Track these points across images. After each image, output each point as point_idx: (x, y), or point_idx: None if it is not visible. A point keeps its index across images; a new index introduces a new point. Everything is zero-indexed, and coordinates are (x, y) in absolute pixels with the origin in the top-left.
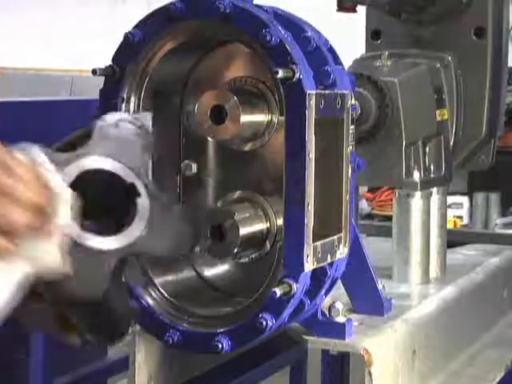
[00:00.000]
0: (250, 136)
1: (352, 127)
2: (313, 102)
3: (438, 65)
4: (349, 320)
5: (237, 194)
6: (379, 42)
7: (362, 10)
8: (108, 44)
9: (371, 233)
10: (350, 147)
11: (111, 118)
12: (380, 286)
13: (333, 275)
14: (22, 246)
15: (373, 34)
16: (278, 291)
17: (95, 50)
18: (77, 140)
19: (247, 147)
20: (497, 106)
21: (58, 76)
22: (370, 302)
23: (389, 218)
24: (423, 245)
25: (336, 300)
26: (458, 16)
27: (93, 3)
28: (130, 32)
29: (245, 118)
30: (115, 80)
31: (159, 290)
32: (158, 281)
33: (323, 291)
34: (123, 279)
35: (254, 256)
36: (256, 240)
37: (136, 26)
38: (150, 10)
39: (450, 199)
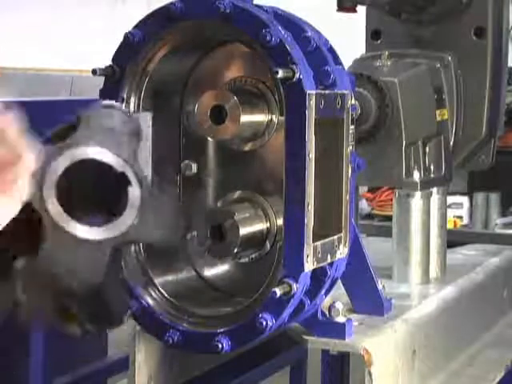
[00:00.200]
0: (250, 136)
1: (352, 127)
2: (313, 102)
3: (438, 65)
4: (349, 320)
5: (237, 194)
6: (379, 42)
7: (362, 9)
8: (108, 44)
9: (371, 233)
10: (350, 147)
11: (97, 106)
12: (380, 286)
13: (333, 275)
14: None
15: (373, 34)
16: (278, 291)
17: (95, 49)
18: (64, 131)
19: (247, 147)
20: (497, 105)
21: (58, 76)
22: (370, 301)
23: (389, 218)
24: (423, 245)
25: (336, 300)
26: (458, 16)
27: (93, 3)
28: (129, 32)
29: (245, 118)
30: (115, 80)
31: (159, 290)
32: (157, 281)
33: (323, 291)
34: (118, 267)
35: (253, 256)
36: (256, 240)
37: (136, 26)
38: (150, 10)
39: (450, 199)
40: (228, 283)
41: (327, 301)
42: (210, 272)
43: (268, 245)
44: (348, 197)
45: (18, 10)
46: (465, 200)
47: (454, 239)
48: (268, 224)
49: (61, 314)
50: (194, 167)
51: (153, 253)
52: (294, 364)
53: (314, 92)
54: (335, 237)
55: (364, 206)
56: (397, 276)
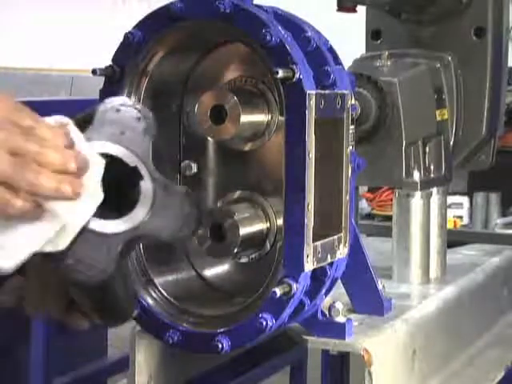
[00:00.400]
0: (250, 136)
1: (352, 127)
2: (313, 102)
3: (438, 65)
4: (349, 320)
5: (237, 194)
6: (379, 42)
7: (362, 9)
8: (108, 44)
9: (371, 233)
10: (350, 147)
11: (111, 102)
12: (380, 286)
13: (333, 275)
14: (49, 206)
15: (373, 34)
16: (278, 291)
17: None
18: (79, 125)
19: (247, 147)
20: (497, 105)
21: (58, 76)
22: (370, 301)
23: (389, 218)
24: (423, 245)
25: (336, 300)
26: (458, 16)
27: (93, 3)
28: (130, 32)
29: (245, 118)
30: (115, 80)
31: (159, 290)
32: (157, 281)
33: (323, 291)
34: (126, 262)
35: (253, 256)
36: (256, 240)
37: (136, 26)
38: (151, 10)
39: (450, 199)
40: (228, 283)
41: (327, 301)
42: (210, 272)
43: (268, 245)
44: (348, 197)
45: (18, 9)
46: (465, 200)
47: (454, 239)
48: (268, 224)
49: (68, 308)
50: (194, 167)
51: (153, 253)
52: (294, 364)
53: (313, 92)
54: (335, 237)
55: (364, 205)
56: (397, 276)
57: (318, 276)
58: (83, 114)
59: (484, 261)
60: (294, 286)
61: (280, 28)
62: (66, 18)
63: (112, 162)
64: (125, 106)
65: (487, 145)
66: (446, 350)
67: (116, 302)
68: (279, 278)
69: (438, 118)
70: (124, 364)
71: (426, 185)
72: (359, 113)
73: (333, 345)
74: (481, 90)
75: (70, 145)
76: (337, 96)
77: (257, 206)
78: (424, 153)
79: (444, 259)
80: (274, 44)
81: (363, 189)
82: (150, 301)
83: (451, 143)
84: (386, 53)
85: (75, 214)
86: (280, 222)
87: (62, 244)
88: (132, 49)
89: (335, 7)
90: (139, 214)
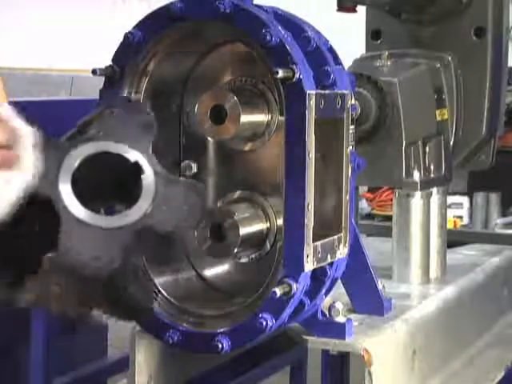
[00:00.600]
0: (250, 136)
1: (352, 127)
2: (313, 102)
3: (438, 65)
4: (349, 320)
5: (237, 194)
6: (379, 42)
7: (362, 9)
8: (108, 44)
9: (371, 233)
10: (350, 147)
11: (112, 100)
12: (380, 286)
13: (333, 275)
14: None
15: (373, 34)
16: (278, 291)
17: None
18: (84, 126)
19: (247, 147)
20: (497, 105)
21: (58, 76)
22: (370, 301)
23: (389, 218)
24: (423, 245)
25: (336, 300)
26: (458, 16)
27: (93, 3)
28: (129, 32)
29: (245, 118)
30: (115, 80)
31: (159, 290)
32: (158, 281)
33: (323, 291)
34: (135, 259)
35: (253, 256)
36: (256, 240)
37: (136, 26)
38: (151, 10)
39: (450, 199)
40: (228, 283)
41: (327, 301)
42: (210, 272)
43: (268, 245)
44: (348, 197)
45: (18, 9)
46: (465, 200)
47: (454, 239)
48: (268, 224)
49: (80, 303)
50: (194, 167)
51: (153, 253)
52: (294, 364)
53: (313, 92)
54: (335, 237)
55: (364, 205)
56: (397, 276)
57: (318, 276)
58: (86, 118)
59: (484, 261)
60: (294, 286)
61: (280, 28)
62: (65, 18)
63: (115, 158)
64: (125, 103)
65: (487, 145)
66: (446, 350)
67: (129, 297)
68: (279, 277)
69: (438, 118)
70: (124, 364)
71: (426, 185)
72: (359, 113)
73: (333, 345)
74: (481, 90)
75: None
76: (337, 96)
77: (257, 206)
78: (424, 153)
79: (444, 259)
80: (274, 44)
81: (363, 189)
82: (155, 302)
83: (451, 143)
84: (386, 53)
85: (10, 184)
86: (280, 221)
87: None
88: (132, 49)
89: (335, 7)
90: (142, 208)
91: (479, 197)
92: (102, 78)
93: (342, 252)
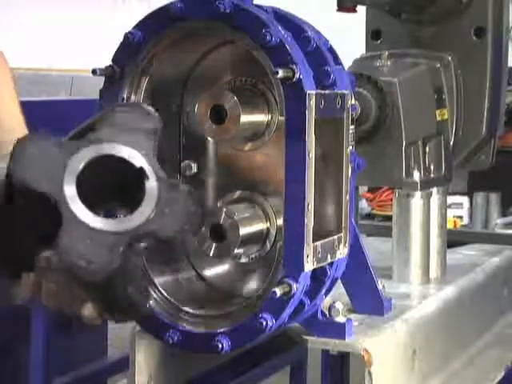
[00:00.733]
0: (250, 136)
1: (352, 127)
2: (313, 102)
3: (438, 65)
4: (349, 320)
5: (237, 194)
6: (379, 42)
7: (362, 9)
8: (108, 44)
9: (371, 233)
10: (350, 147)
11: (119, 104)
12: (380, 286)
13: (333, 275)
14: None
15: (373, 34)
16: (278, 291)
17: (95, 49)
18: (88, 128)
19: (247, 147)
20: (497, 105)
21: (58, 76)
22: (370, 301)
23: (389, 218)
24: (423, 245)
25: (336, 300)
26: (458, 16)
27: (93, 3)
28: (129, 32)
29: (245, 118)
30: (115, 80)
31: (159, 290)
32: (157, 281)
33: (323, 291)
34: (135, 259)
35: (254, 256)
36: (256, 240)
37: (136, 26)
38: (151, 10)
39: (450, 199)
40: (228, 283)
41: (327, 301)
42: (210, 272)
43: (268, 245)
44: (348, 197)
45: (18, 9)
46: (465, 200)
47: (454, 239)
48: (268, 224)
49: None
50: (194, 167)
51: (153, 253)
52: (294, 364)
53: (313, 92)
54: (335, 237)
55: (364, 205)
56: (397, 276)
57: (318, 276)
58: (90, 121)
59: (484, 261)
60: (294, 286)
61: (280, 28)
62: (66, 18)
63: (119, 162)
64: (131, 107)
65: (487, 145)
66: (446, 350)
67: (126, 299)
68: (279, 277)
69: (438, 118)
70: (124, 364)
71: (426, 185)
72: (359, 113)
73: (333, 345)
74: (481, 90)
75: None
76: (337, 96)
77: (257, 206)
78: (424, 153)
79: (444, 259)
80: (273, 44)
81: (363, 189)
82: (150, 300)
83: (451, 143)
84: (386, 53)
85: None
86: (280, 221)
87: None
88: (132, 49)
89: (335, 7)
90: (144, 213)
91: (479, 197)
92: (102, 78)
93: (342, 252)
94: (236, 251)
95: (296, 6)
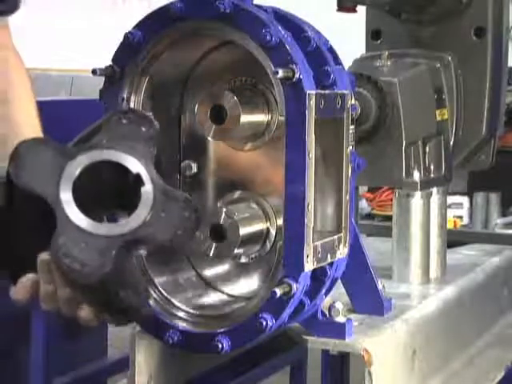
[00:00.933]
0: (250, 136)
1: (352, 127)
2: (313, 102)
3: (438, 65)
4: (349, 320)
5: (237, 194)
6: (379, 42)
7: (362, 9)
8: (108, 44)
9: (371, 233)
10: (350, 147)
11: (117, 111)
12: (380, 286)
13: (333, 275)
14: None
15: (373, 34)
16: (278, 291)
17: (95, 49)
18: (89, 135)
19: (247, 147)
20: (497, 105)
21: (58, 76)
22: (370, 301)
23: (389, 218)
24: (423, 245)
25: (336, 300)
26: (458, 16)
27: (93, 3)
28: (129, 32)
29: (245, 118)
30: (115, 80)
31: (159, 290)
32: (157, 281)
33: (323, 291)
34: (131, 262)
35: (254, 256)
36: (256, 240)
37: (136, 26)
38: (151, 10)
39: (450, 199)
40: (228, 283)
41: (327, 301)
42: (210, 272)
43: (268, 245)
44: (348, 197)
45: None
46: (465, 200)
47: (454, 239)
48: (268, 224)
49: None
50: (194, 167)
51: (152, 253)
52: (294, 364)
53: (313, 92)
54: (335, 237)
55: (364, 205)
56: (397, 276)
57: (318, 276)
58: (90, 128)
59: (484, 261)
60: (294, 286)
61: (280, 28)
62: (65, 18)
63: (116, 168)
64: (130, 114)
65: (487, 145)
66: (445, 350)
67: (121, 301)
68: (279, 277)
69: (438, 118)
70: (124, 364)
71: (426, 185)
72: (359, 113)
73: (333, 345)
74: (481, 90)
75: None
76: (337, 96)
77: (257, 206)
78: (424, 153)
79: (444, 259)
80: (274, 44)
81: (363, 189)
82: (150, 301)
83: (451, 143)
84: (386, 53)
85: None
86: (280, 221)
87: None
88: (132, 49)
89: (335, 7)
90: (138, 218)
91: (479, 197)
92: (102, 78)
93: (342, 252)
94: (236, 251)
95: (296, 6)
